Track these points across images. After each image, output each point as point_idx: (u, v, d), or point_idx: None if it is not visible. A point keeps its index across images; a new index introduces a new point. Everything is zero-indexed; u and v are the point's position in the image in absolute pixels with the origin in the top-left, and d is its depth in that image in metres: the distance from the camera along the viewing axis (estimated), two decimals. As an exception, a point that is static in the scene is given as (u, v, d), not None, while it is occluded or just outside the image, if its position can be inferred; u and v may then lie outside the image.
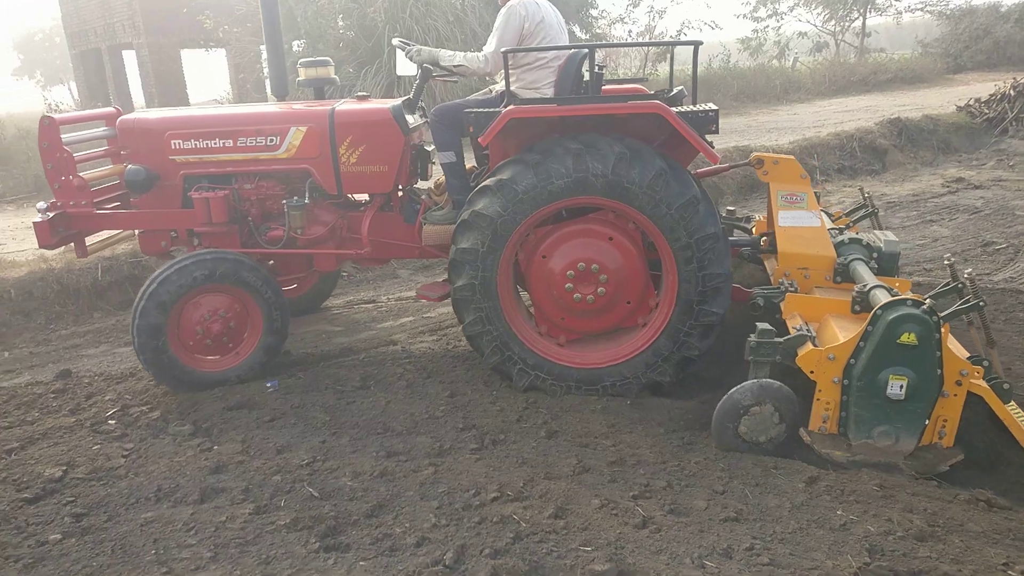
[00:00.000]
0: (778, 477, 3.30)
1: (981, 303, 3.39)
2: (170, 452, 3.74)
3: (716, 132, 4.03)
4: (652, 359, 4.12)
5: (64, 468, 3.61)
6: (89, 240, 4.99)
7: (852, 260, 4.17)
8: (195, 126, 4.69)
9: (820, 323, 3.79)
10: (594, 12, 18.00)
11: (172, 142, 4.65)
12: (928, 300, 3.28)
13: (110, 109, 5.24)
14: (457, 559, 2.77)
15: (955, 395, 3.30)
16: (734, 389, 3.49)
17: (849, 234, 4.46)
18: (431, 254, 4.89)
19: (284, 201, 4.69)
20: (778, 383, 3.48)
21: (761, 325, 3.54)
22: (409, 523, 3.04)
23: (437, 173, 5.15)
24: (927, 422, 3.33)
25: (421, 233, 4.66)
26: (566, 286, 4.14)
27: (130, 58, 18.86)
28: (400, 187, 4.82)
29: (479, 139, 4.02)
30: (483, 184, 4.06)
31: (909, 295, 3.37)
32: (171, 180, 4.72)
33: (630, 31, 20.17)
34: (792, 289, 4.10)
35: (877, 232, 4.50)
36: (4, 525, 3.17)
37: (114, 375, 4.94)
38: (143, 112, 4.97)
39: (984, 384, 3.29)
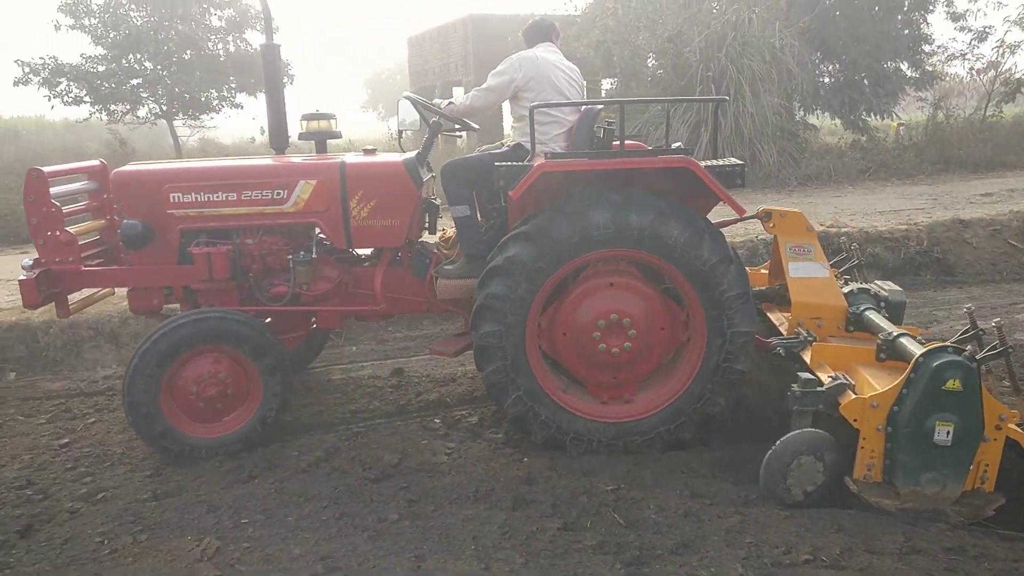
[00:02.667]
0: None
1: (1009, 350, 3.52)
2: (486, 457, 4.13)
3: (742, 185, 4.12)
4: (676, 414, 4.10)
5: (399, 456, 4.10)
6: (71, 298, 4.67)
7: (865, 310, 4.29)
8: (196, 179, 4.49)
9: (847, 371, 3.86)
10: (927, 48, 16.61)
11: (171, 195, 4.43)
12: (969, 347, 3.38)
13: (95, 162, 4.98)
14: None
15: (995, 439, 3.39)
16: (781, 440, 3.49)
17: (855, 284, 4.59)
18: (439, 308, 4.77)
19: (290, 256, 4.52)
20: (823, 432, 3.50)
21: (804, 375, 3.57)
22: (715, 568, 3.00)
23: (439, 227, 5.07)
24: (971, 467, 3.39)
25: (435, 288, 4.55)
26: (594, 335, 4.09)
27: (457, 93, 19.98)
28: (409, 241, 4.71)
29: (510, 192, 3.99)
30: (518, 231, 4.01)
31: (948, 342, 3.47)
32: (168, 235, 4.47)
33: (971, 69, 18.11)
34: (811, 339, 4.17)
35: (879, 283, 4.65)
36: (354, 499, 3.60)
37: (438, 378, 5.51)
38: (138, 164, 4.74)
39: (1020, 429, 3.39)
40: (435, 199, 4.84)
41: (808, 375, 3.59)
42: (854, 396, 3.49)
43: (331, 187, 4.46)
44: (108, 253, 4.86)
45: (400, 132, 4.90)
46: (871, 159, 14.03)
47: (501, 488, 3.66)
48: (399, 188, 4.49)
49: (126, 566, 3.11)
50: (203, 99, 15.48)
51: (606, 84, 14.79)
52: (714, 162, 4.18)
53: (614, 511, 3.44)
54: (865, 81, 15.57)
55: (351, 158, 4.64)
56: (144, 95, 15.69)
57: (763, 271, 5.25)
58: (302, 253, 4.52)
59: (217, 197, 4.46)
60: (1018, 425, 3.43)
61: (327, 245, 4.66)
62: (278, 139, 5.00)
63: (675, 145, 4.59)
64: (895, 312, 4.40)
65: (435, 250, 4.80)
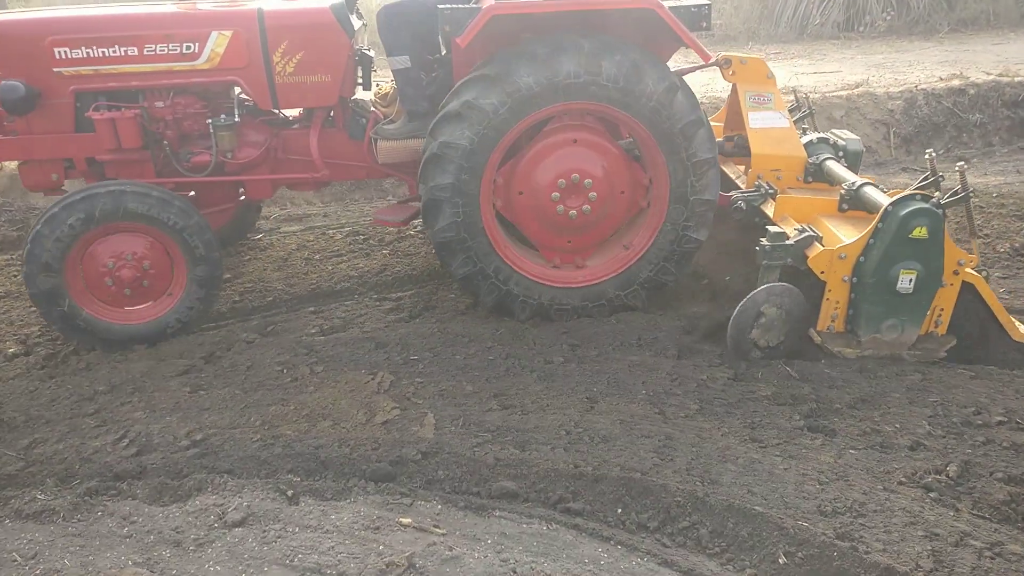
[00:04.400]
0: None
1: (970, 193, 3.50)
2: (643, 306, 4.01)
3: (708, 28, 3.82)
4: (629, 281, 3.98)
5: None
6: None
7: (824, 160, 4.19)
8: (86, 30, 3.84)
9: (811, 223, 3.79)
10: None
11: (56, 50, 3.80)
12: (936, 193, 3.34)
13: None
14: (962, 473, 2.64)
15: (951, 284, 3.43)
16: (748, 296, 3.45)
17: (815, 134, 4.47)
18: (379, 173, 4.43)
19: (209, 120, 4.02)
20: (789, 285, 3.47)
21: (773, 228, 3.48)
22: (900, 424, 2.96)
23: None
24: (928, 312, 3.45)
25: (375, 150, 4.17)
26: (558, 208, 3.86)
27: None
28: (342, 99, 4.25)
29: (456, 39, 3.57)
30: (447, 110, 3.64)
31: (914, 189, 3.41)
32: (58, 98, 3.88)
33: None
34: (771, 191, 4.07)
35: (837, 131, 4.55)
36: (516, 341, 3.69)
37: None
38: (10, 13, 4.02)
39: (976, 273, 3.44)
40: (368, 50, 4.35)
41: (777, 228, 3.50)
42: (822, 248, 3.45)
43: (250, 39, 3.91)
44: None
45: None
46: None
47: (664, 337, 3.66)
48: (328, 38, 3.98)
49: (309, 394, 3.24)
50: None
51: None
52: (678, 2, 3.84)
53: (785, 364, 3.40)
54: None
55: (269, 5, 4.06)
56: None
57: (713, 123, 5.06)
58: (223, 116, 4.03)
59: (114, 52, 3.85)
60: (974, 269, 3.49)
61: (250, 106, 4.17)
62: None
63: None
64: (853, 161, 4.32)
65: (372, 108, 4.37)
